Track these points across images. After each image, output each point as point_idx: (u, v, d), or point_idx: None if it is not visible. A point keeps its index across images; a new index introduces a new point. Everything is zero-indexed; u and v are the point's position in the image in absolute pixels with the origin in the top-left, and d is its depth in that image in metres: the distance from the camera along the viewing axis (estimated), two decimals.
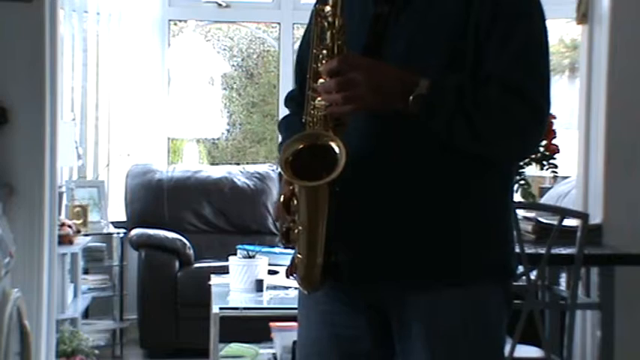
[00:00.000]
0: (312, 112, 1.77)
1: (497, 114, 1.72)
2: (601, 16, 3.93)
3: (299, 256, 1.82)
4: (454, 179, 1.78)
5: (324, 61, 1.73)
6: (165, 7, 6.19)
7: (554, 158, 3.52)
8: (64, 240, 4.79)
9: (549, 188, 5.09)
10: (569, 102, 5.94)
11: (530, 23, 1.77)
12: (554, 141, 3.53)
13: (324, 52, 1.74)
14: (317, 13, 1.75)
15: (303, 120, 1.79)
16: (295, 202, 1.80)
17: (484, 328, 1.83)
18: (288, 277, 1.91)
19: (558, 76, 6.91)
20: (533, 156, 3.50)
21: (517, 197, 3.69)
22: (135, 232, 5.59)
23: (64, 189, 5.28)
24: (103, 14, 5.95)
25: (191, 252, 5.55)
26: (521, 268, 3.25)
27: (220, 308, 3.91)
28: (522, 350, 3.30)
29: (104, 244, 5.59)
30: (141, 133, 6.04)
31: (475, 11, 1.74)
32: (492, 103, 1.71)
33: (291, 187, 1.82)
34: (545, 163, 3.52)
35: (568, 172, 4.57)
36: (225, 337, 4.09)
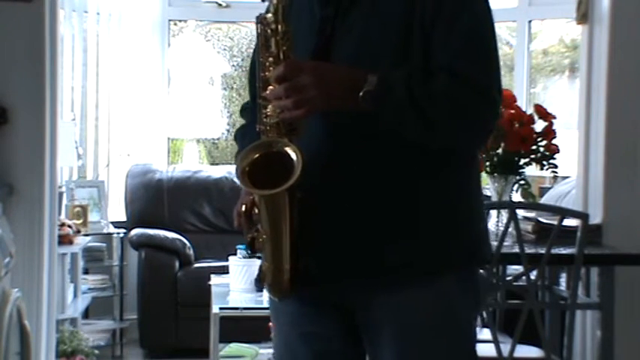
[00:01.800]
0: (265, 120, 1.76)
1: (447, 103, 1.71)
2: (601, 16, 3.92)
3: (266, 264, 1.82)
4: (411, 174, 1.77)
5: (271, 69, 1.73)
6: (165, 7, 6.20)
7: (554, 158, 3.52)
8: (64, 240, 4.79)
9: (549, 188, 5.09)
10: (569, 102, 5.95)
11: (474, 8, 1.78)
12: (554, 141, 3.53)
13: (271, 59, 1.74)
14: (260, 22, 1.75)
15: (258, 129, 1.79)
16: (257, 210, 1.80)
17: (453, 321, 1.82)
18: (257, 286, 1.91)
19: (558, 76, 6.91)
20: (533, 156, 3.51)
21: (517, 197, 3.69)
22: (135, 232, 5.59)
23: (64, 189, 5.28)
24: (103, 14, 5.95)
25: (191, 252, 5.55)
26: (521, 268, 3.26)
27: (220, 308, 3.92)
28: (522, 350, 3.30)
29: (104, 244, 5.59)
30: (141, 133, 6.05)
31: (419, 4, 1.75)
32: (442, 92, 1.70)
33: (251, 197, 1.82)
34: (545, 163, 3.52)
35: (568, 172, 4.56)
36: (225, 337, 4.10)
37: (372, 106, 1.69)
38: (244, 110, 2.08)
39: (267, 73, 1.75)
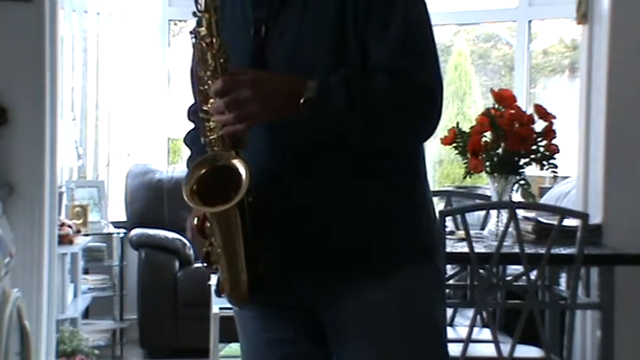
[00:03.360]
0: (209, 133, 1.75)
1: (387, 102, 1.70)
2: (601, 16, 3.93)
3: (223, 275, 1.81)
4: (358, 175, 1.77)
5: (210, 82, 1.71)
6: (165, 7, 6.20)
7: (554, 158, 3.52)
8: (64, 240, 4.79)
9: (549, 188, 5.09)
10: (569, 102, 5.95)
11: (408, 4, 1.76)
12: (554, 141, 3.53)
13: (209, 73, 1.72)
14: (194, 36, 1.73)
15: (202, 141, 1.77)
16: (209, 224, 1.79)
17: (415, 316, 1.81)
18: (218, 296, 1.90)
19: (558, 76, 6.91)
20: (533, 156, 3.51)
21: (517, 197, 3.69)
22: (135, 232, 5.59)
23: (64, 189, 5.28)
24: (103, 14, 5.95)
25: (191, 252, 5.55)
26: (521, 268, 3.25)
27: (220, 308, 3.92)
28: (522, 350, 3.30)
29: (104, 244, 5.59)
30: (141, 133, 6.05)
31: (351, 3, 1.73)
32: (381, 92, 1.69)
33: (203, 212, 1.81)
34: (545, 163, 3.52)
35: (568, 172, 4.56)
36: (225, 337, 4.09)
37: (313, 113, 1.68)
38: (192, 112, 2.01)
39: (206, 87, 1.73)
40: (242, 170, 1.69)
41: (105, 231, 5.58)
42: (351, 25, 1.73)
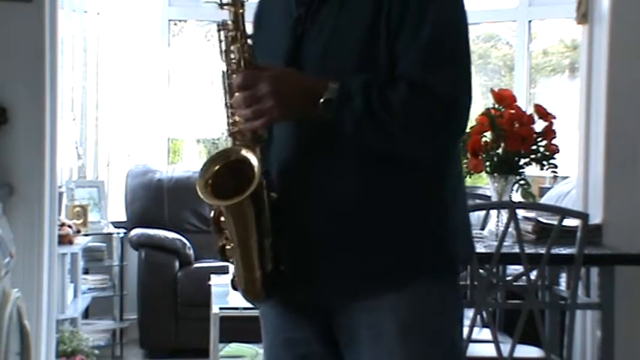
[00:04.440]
0: (232, 127, 1.77)
1: (403, 113, 1.68)
2: (601, 16, 3.92)
3: (237, 270, 1.81)
4: (382, 180, 1.74)
5: (234, 76, 1.73)
6: (165, 7, 6.20)
7: (554, 158, 3.52)
8: (64, 240, 4.79)
9: (549, 188, 5.09)
10: (569, 102, 5.94)
11: (441, 10, 1.72)
12: (554, 141, 3.53)
13: (233, 67, 1.74)
14: (221, 29, 1.75)
15: (227, 133, 1.79)
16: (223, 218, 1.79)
17: (428, 325, 1.78)
18: (234, 289, 1.90)
19: (558, 76, 6.91)
20: (533, 156, 3.51)
21: (517, 197, 3.69)
22: (135, 232, 5.59)
23: (64, 189, 5.28)
24: (103, 14, 5.95)
25: (191, 252, 5.55)
26: (521, 268, 3.26)
27: (220, 308, 3.92)
28: (522, 350, 3.30)
29: (104, 244, 5.59)
30: (141, 133, 6.05)
31: (386, 8, 1.71)
32: (398, 102, 1.67)
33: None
34: (545, 163, 3.52)
35: (568, 172, 4.56)
36: (225, 337, 4.10)
37: (331, 115, 1.68)
38: None
39: (230, 80, 1.75)
40: (255, 164, 1.69)
41: (105, 231, 5.58)
42: (383, 29, 1.72)
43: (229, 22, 1.74)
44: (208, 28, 7.00)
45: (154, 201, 5.85)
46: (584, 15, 3.99)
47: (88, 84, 5.97)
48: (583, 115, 4.03)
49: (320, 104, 1.67)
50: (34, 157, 3.81)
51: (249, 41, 1.74)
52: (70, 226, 4.97)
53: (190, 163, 6.58)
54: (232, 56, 1.74)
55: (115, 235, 5.59)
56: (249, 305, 4.33)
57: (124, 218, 5.84)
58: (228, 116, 1.77)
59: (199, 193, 1.73)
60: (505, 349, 3.18)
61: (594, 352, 3.75)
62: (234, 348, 4.30)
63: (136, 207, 5.84)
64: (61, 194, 4.96)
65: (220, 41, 1.76)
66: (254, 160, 1.70)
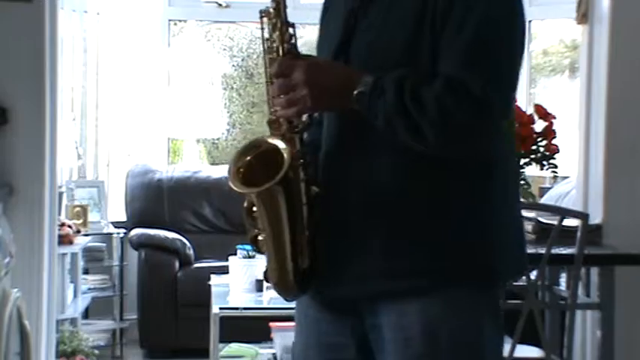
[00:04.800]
0: (272, 115, 1.78)
1: (435, 109, 1.63)
2: (601, 16, 3.93)
3: (270, 262, 1.80)
4: (425, 182, 1.71)
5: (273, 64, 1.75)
6: (165, 7, 6.20)
7: (554, 158, 3.52)
8: (64, 240, 4.79)
9: (549, 188, 5.09)
10: (569, 102, 5.94)
11: (488, 8, 1.68)
12: (554, 141, 3.52)
13: (273, 54, 1.75)
14: (264, 16, 1.76)
15: (269, 119, 1.80)
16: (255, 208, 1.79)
17: (460, 333, 1.72)
18: (266, 281, 1.90)
19: (558, 76, 6.91)
20: (533, 156, 3.51)
21: None
22: (135, 232, 5.59)
23: (64, 189, 5.28)
24: (103, 14, 5.95)
25: (191, 252, 5.55)
26: None
27: (220, 308, 3.92)
28: (522, 350, 3.30)
29: (104, 244, 5.59)
30: (141, 133, 6.04)
31: (431, 5, 1.70)
32: (432, 98, 1.64)
33: None
34: (545, 163, 3.52)
35: (568, 172, 4.56)
36: (225, 337, 4.10)
37: (363, 108, 1.67)
38: None
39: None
40: (284, 153, 1.70)
41: (105, 231, 5.58)
42: (428, 26, 1.70)
43: (271, 10, 1.75)
44: (208, 28, 7.01)
45: (153, 201, 5.85)
46: (584, 15, 3.99)
47: (88, 84, 5.96)
48: (583, 115, 4.03)
49: (353, 97, 1.67)
50: (34, 157, 3.82)
51: (291, 30, 1.75)
52: (70, 226, 4.97)
53: (190, 163, 6.58)
54: (274, 44, 1.75)
55: (115, 235, 5.58)
56: (250, 305, 4.35)
57: (124, 218, 5.83)
58: (269, 105, 1.78)
59: (229, 182, 1.73)
60: (505, 349, 3.18)
61: (594, 352, 3.75)
62: (234, 348, 4.30)
63: (136, 207, 5.84)
64: (61, 194, 4.96)
65: (262, 29, 1.77)
66: (283, 148, 1.71)
